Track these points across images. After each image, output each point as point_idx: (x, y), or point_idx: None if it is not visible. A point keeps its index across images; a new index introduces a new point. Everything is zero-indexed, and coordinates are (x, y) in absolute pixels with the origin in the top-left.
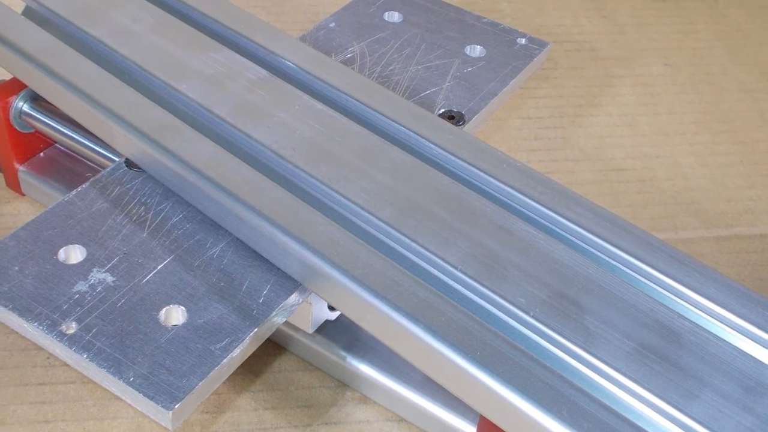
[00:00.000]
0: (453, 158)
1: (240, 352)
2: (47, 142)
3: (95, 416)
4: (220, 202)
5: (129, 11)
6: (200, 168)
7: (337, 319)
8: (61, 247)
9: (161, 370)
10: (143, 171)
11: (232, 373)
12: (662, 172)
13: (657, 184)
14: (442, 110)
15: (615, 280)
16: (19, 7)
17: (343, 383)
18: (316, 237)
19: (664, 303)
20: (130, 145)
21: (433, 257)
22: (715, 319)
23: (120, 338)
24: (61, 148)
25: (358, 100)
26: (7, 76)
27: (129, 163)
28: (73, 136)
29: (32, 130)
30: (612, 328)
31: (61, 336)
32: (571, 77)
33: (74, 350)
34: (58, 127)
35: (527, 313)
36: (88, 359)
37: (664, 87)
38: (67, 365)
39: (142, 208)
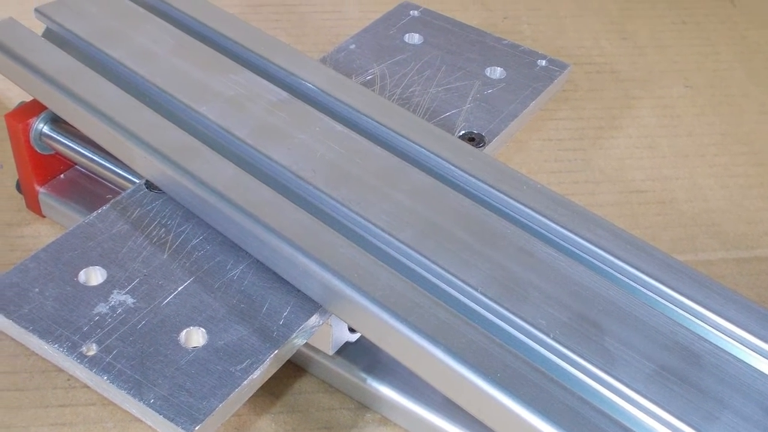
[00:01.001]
0: (473, 180)
1: (260, 373)
2: (67, 163)
3: None
4: (241, 223)
5: (149, 33)
6: (220, 190)
7: (358, 340)
8: (82, 269)
9: (181, 392)
10: (163, 193)
11: (253, 395)
12: (682, 194)
13: (677, 206)
14: (463, 132)
15: (635, 301)
16: (40, 29)
17: (364, 405)
18: (337, 259)
19: (685, 325)
20: (151, 167)
21: (454, 279)
22: (736, 340)
23: (140, 360)
24: (82, 169)
25: (378, 122)
26: (28, 98)
27: (149, 185)
28: (94, 157)
29: (52, 152)
30: (632, 350)
31: (82, 358)
32: (592, 99)
33: (94, 372)
34: (79, 149)
35: (547, 334)
36: (108, 381)
37: (684, 109)
38: (88, 387)
39: (163, 229)
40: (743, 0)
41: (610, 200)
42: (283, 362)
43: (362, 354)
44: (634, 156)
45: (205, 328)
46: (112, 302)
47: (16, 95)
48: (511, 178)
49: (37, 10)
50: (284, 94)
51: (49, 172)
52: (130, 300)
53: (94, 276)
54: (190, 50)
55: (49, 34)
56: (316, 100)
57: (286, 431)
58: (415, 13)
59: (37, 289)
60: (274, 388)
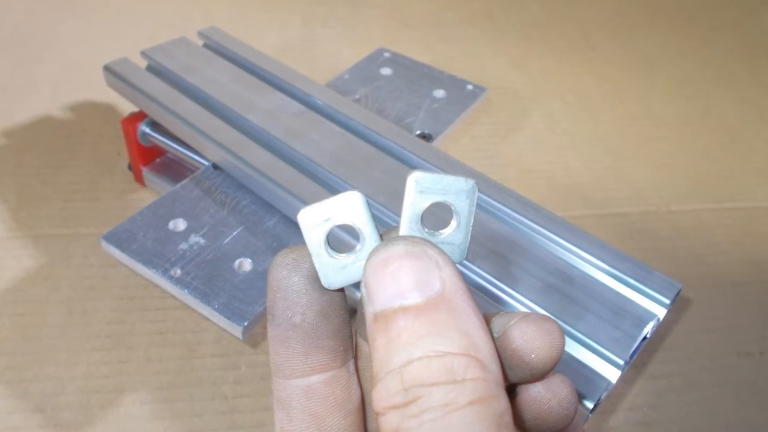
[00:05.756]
0: (426, 164)
1: None
2: (161, 152)
3: (192, 329)
4: (275, 192)
5: (216, 68)
6: (262, 169)
7: None
8: (171, 220)
9: (235, 301)
10: (224, 171)
11: None
12: (560, 173)
13: (556, 181)
14: (418, 132)
15: (530, 241)
16: (143, 64)
17: None
18: None
19: (561, 257)
20: (215, 154)
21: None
22: (594, 267)
23: (208, 279)
24: (171, 156)
25: (364, 125)
26: (135, 109)
27: (215, 166)
28: (178, 148)
29: (151, 144)
30: (527, 273)
31: (170, 278)
32: (500, 111)
33: (178, 287)
34: (169, 143)
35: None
36: (187, 293)
37: (561, 117)
38: (174, 297)
39: (223, 194)
40: None
41: (512, 176)
42: None
43: None
44: (528, 148)
45: (251, 259)
46: (191, 242)
47: (128, 107)
48: (451, 162)
49: (142, 52)
50: (302, 107)
51: (149, 157)
52: (202, 241)
53: (179, 225)
54: (242, 79)
55: (149, 68)
56: (323, 112)
57: None
58: (388, 54)
59: (141, 233)
60: None
